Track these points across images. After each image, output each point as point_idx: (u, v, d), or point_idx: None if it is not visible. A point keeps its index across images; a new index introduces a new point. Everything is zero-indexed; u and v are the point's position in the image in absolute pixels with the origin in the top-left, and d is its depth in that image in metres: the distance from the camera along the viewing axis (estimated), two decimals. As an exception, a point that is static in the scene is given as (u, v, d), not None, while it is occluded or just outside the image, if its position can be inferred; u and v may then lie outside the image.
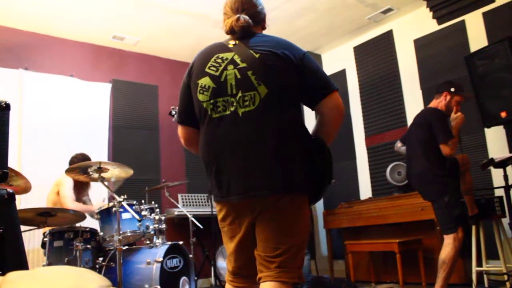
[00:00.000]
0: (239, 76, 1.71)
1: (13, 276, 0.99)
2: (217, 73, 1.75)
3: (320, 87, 1.75)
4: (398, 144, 3.84)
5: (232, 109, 1.70)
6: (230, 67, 1.74)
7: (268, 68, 1.70)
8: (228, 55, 1.77)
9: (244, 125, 1.68)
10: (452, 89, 3.50)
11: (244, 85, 1.70)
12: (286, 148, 1.67)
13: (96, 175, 3.47)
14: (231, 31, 1.84)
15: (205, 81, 1.76)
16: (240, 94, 1.69)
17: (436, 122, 3.36)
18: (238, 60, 1.74)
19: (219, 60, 1.77)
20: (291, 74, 1.73)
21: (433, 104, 3.58)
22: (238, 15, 1.82)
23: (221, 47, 1.82)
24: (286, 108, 1.71)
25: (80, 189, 4.18)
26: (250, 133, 1.67)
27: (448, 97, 3.50)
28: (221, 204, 1.79)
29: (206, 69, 1.77)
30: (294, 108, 1.74)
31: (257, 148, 1.65)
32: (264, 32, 1.98)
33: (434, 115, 3.43)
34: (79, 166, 3.45)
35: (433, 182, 3.32)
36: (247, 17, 1.82)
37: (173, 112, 2.64)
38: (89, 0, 4.48)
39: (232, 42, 1.81)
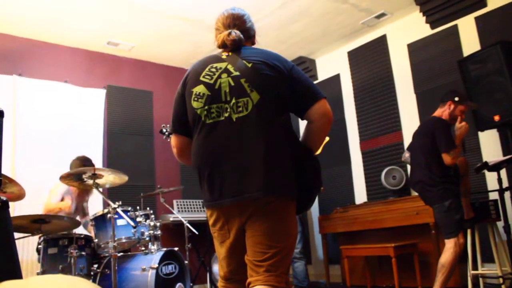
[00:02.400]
0: (232, 84, 1.77)
1: (6, 285, 0.99)
2: (212, 81, 1.81)
3: (309, 95, 1.83)
4: (406, 154, 3.85)
5: (226, 115, 1.75)
6: (224, 75, 1.80)
7: (260, 77, 1.77)
8: (222, 65, 1.84)
9: (238, 130, 1.73)
10: (456, 99, 3.53)
11: (237, 92, 1.76)
12: (278, 153, 1.73)
13: (90, 182, 3.45)
14: (223, 45, 1.91)
15: (199, 89, 1.81)
16: (233, 101, 1.75)
17: (439, 131, 3.39)
18: (231, 69, 1.80)
19: (213, 69, 1.83)
20: (282, 83, 1.81)
21: (438, 113, 3.60)
22: (229, 30, 1.90)
23: (215, 58, 1.89)
24: (277, 114, 1.78)
25: (80, 195, 4.15)
26: (243, 137, 1.72)
27: (452, 106, 3.52)
28: (211, 209, 1.81)
29: (201, 78, 1.83)
30: (285, 115, 1.82)
31: (250, 152, 1.70)
32: (257, 39, 2.08)
33: (437, 124, 3.46)
34: (72, 173, 3.43)
35: (434, 187, 3.34)
36: (238, 32, 1.90)
37: (164, 130, 2.63)
38: (84, 6, 4.48)
39: (225, 54, 1.89)
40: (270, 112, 1.75)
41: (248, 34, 1.99)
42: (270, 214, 1.70)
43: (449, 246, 3.23)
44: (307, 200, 1.86)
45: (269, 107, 1.75)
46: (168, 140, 2.65)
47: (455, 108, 3.52)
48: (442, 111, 3.57)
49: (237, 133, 1.73)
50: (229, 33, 1.88)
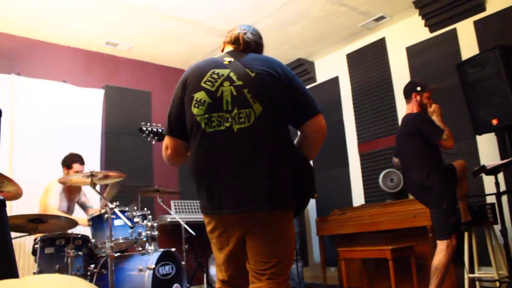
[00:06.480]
0: (235, 93, 1.74)
1: (2, 284, 0.98)
2: (213, 89, 1.76)
3: (307, 108, 1.82)
4: (395, 159, 3.84)
5: (227, 125, 1.72)
6: (226, 83, 1.76)
7: (263, 87, 1.75)
8: (224, 72, 1.80)
9: (239, 141, 1.71)
10: (418, 88, 3.58)
11: (240, 102, 1.73)
12: (278, 165, 1.72)
13: (89, 180, 3.49)
14: (235, 41, 1.93)
15: (200, 95, 1.77)
16: (235, 111, 1.72)
17: (423, 124, 3.42)
18: (234, 78, 1.77)
19: (215, 76, 1.79)
20: (283, 94, 1.79)
21: (409, 110, 3.62)
22: (246, 31, 1.93)
23: (217, 63, 1.85)
24: (279, 126, 1.77)
25: (71, 193, 4.16)
26: (245, 149, 1.70)
27: (418, 97, 3.57)
28: (209, 217, 1.81)
29: (202, 84, 1.79)
30: (285, 126, 1.82)
31: (251, 164, 1.69)
32: None
33: (418, 119, 3.48)
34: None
35: (432, 189, 3.32)
36: (252, 37, 1.94)
37: (144, 129, 2.56)
38: (83, 5, 4.48)
39: (227, 59, 1.85)
40: (272, 124, 1.74)
41: (258, 47, 1.99)
42: (271, 225, 1.71)
43: (442, 248, 3.22)
44: (300, 207, 1.88)
45: (271, 119, 1.74)
46: (148, 139, 2.61)
47: (421, 97, 3.56)
48: (412, 106, 3.60)
49: (238, 144, 1.70)
50: (245, 33, 1.91)
